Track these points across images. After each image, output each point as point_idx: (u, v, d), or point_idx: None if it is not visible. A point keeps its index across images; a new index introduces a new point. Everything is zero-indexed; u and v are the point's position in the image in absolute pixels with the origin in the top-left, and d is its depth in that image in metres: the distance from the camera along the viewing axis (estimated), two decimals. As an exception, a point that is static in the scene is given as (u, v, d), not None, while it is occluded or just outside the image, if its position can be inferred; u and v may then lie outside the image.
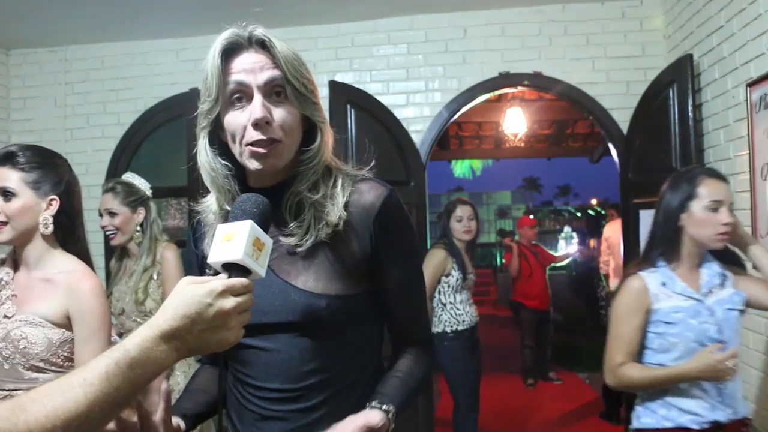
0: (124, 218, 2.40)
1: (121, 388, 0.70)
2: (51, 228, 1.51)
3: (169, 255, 2.39)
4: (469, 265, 3.25)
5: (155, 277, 2.37)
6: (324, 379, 1.00)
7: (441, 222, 3.29)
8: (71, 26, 3.55)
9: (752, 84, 2.34)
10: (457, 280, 3.15)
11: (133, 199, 2.44)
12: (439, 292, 3.14)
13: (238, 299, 0.79)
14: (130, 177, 2.54)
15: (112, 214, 2.40)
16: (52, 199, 1.52)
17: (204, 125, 1.01)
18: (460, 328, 3.13)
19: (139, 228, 2.43)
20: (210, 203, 1.07)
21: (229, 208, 1.01)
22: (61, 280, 1.49)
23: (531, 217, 6.68)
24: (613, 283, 4.45)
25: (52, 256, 1.53)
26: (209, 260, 0.84)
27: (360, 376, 1.05)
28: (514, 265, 5.56)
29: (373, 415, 0.94)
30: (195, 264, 1.15)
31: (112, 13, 3.38)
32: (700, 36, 2.82)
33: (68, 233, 1.55)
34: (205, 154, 1.02)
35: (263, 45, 0.98)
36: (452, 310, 3.14)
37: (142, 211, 2.44)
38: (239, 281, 0.80)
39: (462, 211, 3.22)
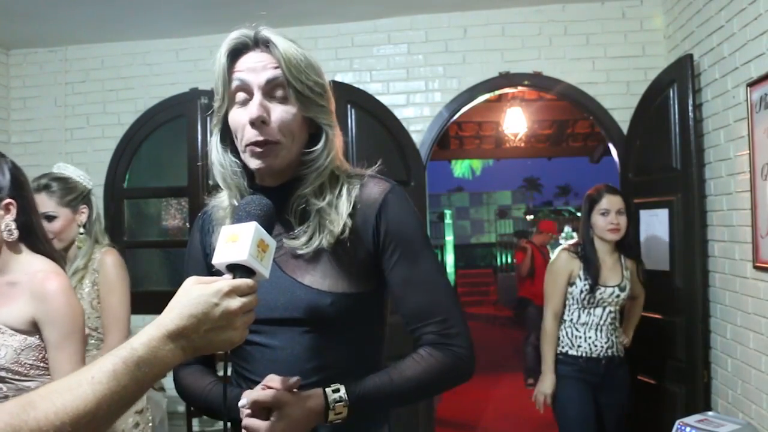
0: (64, 221, 2.01)
1: (129, 386, 0.70)
2: (16, 233, 1.39)
3: (110, 260, 2.02)
4: (609, 274, 2.54)
5: (89, 282, 2.01)
6: (326, 376, 1.00)
7: (582, 215, 2.68)
8: (71, 26, 3.55)
9: (752, 84, 2.34)
10: (582, 292, 2.51)
11: (74, 197, 2.04)
12: (566, 306, 2.60)
13: (244, 299, 0.80)
14: (63, 169, 2.13)
15: (49, 218, 1.96)
16: (8, 204, 1.39)
17: (215, 123, 1.04)
18: (572, 352, 2.55)
19: (82, 230, 2.05)
20: (222, 199, 1.09)
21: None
22: (24, 283, 1.37)
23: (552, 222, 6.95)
24: None
25: (18, 258, 1.41)
26: (213, 261, 0.84)
27: (362, 376, 1.04)
28: (526, 264, 5.77)
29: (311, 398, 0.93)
30: (201, 258, 1.14)
31: (112, 13, 3.38)
32: (701, 36, 2.82)
33: (30, 232, 1.44)
34: (215, 151, 1.05)
35: (268, 45, 0.99)
36: (569, 328, 2.57)
37: (84, 210, 2.06)
38: (245, 282, 0.81)
39: (609, 203, 2.54)
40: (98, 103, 3.85)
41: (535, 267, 5.69)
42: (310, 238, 1.01)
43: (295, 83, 0.98)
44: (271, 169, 1.00)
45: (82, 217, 2.05)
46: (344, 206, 1.02)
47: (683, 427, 2.13)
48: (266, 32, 1.00)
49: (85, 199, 2.08)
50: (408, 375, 0.99)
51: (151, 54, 3.81)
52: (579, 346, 2.54)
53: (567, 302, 2.58)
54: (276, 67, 0.98)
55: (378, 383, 0.98)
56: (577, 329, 2.55)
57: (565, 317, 2.59)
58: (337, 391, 0.94)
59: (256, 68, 0.98)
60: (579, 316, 2.55)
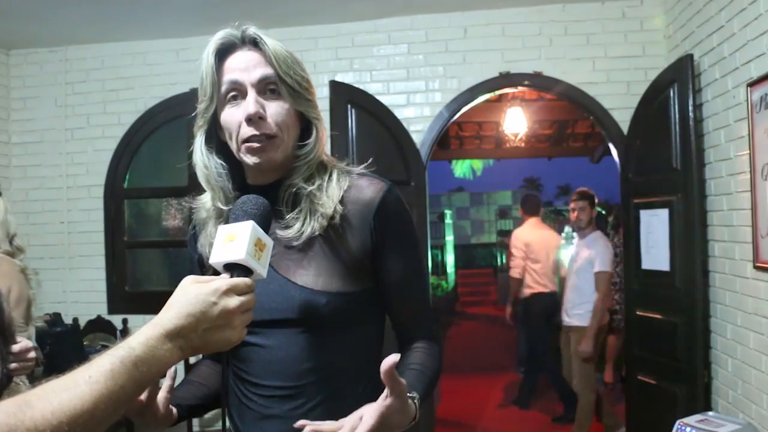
0: None
1: (126, 386, 0.70)
2: None
3: None
4: None
5: None
6: (323, 377, 1.01)
7: None
8: (71, 26, 3.55)
9: (752, 84, 2.34)
10: None
11: None
12: None
13: (242, 298, 0.79)
14: None
15: None
16: None
17: (200, 124, 1.04)
18: None
19: None
20: (204, 201, 1.08)
21: (222, 206, 1.03)
22: None
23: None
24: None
25: None
26: (211, 261, 0.84)
27: (359, 375, 1.05)
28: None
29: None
30: (195, 263, 1.15)
31: (112, 13, 3.38)
32: (701, 36, 2.82)
33: None
34: (199, 152, 1.04)
35: (256, 43, 1.00)
36: None
37: None
38: (243, 281, 0.81)
39: None
40: (98, 103, 3.85)
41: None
42: (303, 224, 1.01)
43: (286, 79, 0.99)
44: (270, 163, 1.01)
45: None
46: (334, 191, 1.03)
47: (683, 427, 2.13)
48: (253, 30, 1.01)
49: None
50: (434, 368, 1.05)
51: (152, 54, 3.81)
52: None
53: None
54: (267, 65, 0.99)
55: (419, 378, 1.00)
56: None
57: None
58: (413, 398, 0.91)
59: (247, 67, 0.99)
60: None
